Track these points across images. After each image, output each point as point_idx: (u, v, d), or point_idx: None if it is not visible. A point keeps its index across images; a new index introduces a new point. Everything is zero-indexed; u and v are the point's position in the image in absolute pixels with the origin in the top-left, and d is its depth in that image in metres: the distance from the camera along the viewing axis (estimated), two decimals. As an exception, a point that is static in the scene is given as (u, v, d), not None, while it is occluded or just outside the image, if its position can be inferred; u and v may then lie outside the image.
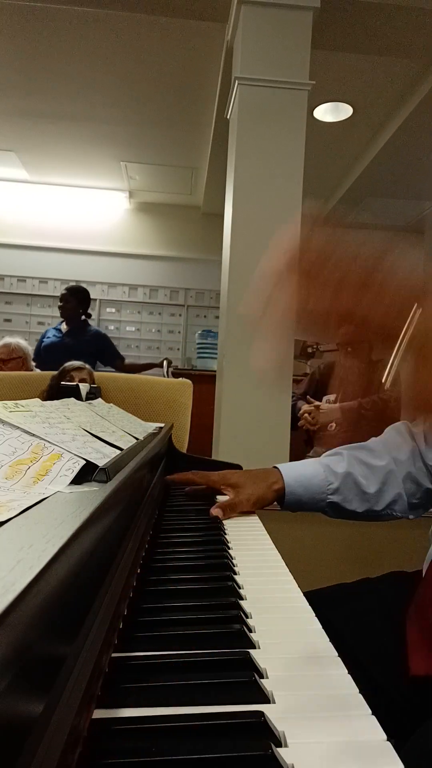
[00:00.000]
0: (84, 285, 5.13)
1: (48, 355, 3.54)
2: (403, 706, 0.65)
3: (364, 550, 1.96)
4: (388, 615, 0.75)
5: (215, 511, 0.80)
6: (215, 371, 4.18)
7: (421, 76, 2.99)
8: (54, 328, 3.96)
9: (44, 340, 3.83)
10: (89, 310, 4.03)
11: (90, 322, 4.70)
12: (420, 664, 0.65)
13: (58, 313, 5.15)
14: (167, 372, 3.62)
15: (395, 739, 0.33)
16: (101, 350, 3.90)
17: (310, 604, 0.51)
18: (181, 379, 1.98)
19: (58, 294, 5.10)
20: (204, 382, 1.96)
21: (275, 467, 0.90)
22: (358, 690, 0.36)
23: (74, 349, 3.69)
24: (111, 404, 1.13)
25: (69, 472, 0.48)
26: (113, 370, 3.78)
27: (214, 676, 0.36)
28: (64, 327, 3.89)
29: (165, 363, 3.70)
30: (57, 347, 3.71)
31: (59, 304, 3.87)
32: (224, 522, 0.80)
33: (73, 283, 4.03)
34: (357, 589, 0.85)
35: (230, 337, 2.37)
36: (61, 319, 3.94)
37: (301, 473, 0.87)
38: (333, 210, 4.66)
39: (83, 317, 3.91)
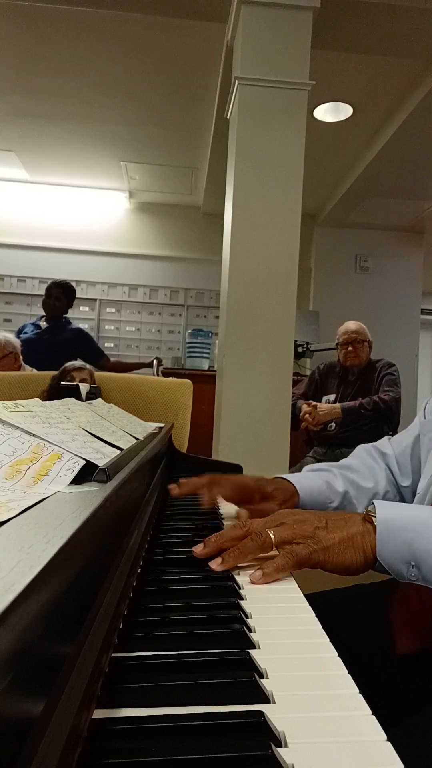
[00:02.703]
0: (84, 285, 5.15)
1: (27, 351, 3.39)
2: (401, 698, 0.66)
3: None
4: (385, 617, 0.76)
5: (242, 512, 0.76)
6: (205, 370, 4.20)
7: (421, 76, 2.99)
8: (32, 324, 3.76)
9: (21, 335, 3.59)
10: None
11: (87, 321, 4.66)
12: (405, 645, 0.69)
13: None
14: (157, 371, 3.58)
15: (394, 729, 0.33)
16: (83, 349, 3.73)
17: (310, 605, 0.51)
18: (181, 379, 1.98)
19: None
20: (195, 382, 1.96)
21: (283, 478, 0.86)
22: (358, 690, 0.36)
23: (54, 347, 3.56)
24: (111, 404, 1.13)
25: (69, 472, 0.48)
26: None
27: (214, 676, 0.36)
28: (43, 323, 3.71)
29: (155, 362, 3.65)
30: (36, 344, 3.51)
31: (45, 299, 3.67)
32: (224, 522, 0.80)
33: (60, 280, 3.77)
34: (357, 592, 0.86)
35: (230, 337, 2.37)
36: (41, 315, 3.77)
37: (311, 487, 0.85)
38: (333, 210, 4.66)
39: (65, 315, 3.77)
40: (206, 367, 4.32)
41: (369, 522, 0.60)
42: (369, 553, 0.58)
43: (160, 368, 3.66)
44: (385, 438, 1.00)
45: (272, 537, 0.58)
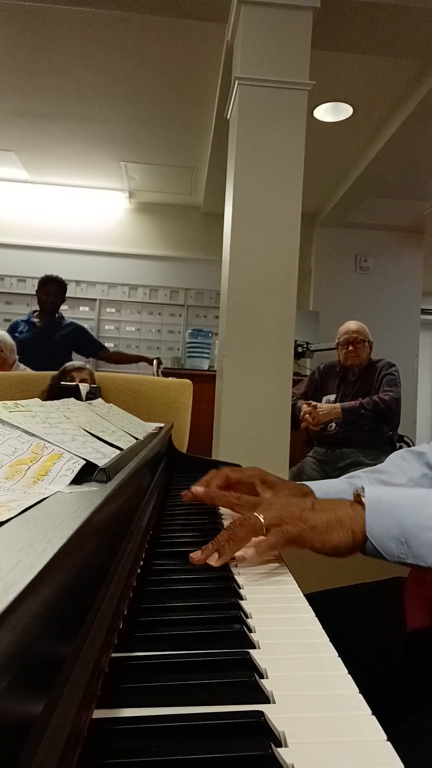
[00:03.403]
0: (84, 285, 5.15)
1: (26, 351, 3.31)
2: (401, 698, 0.66)
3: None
4: (388, 615, 0.76)
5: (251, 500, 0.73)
6: (205, 371, 4.20)
7: (421, 76, 2.99)
8: (24, 321, 3.65)
9: (16, 334, 3.48)
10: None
11: (87, 321, 4.62)
12: (416, 618, 0.68)
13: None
14: (157, 371, 3.58)
15: (394, 729, 0.33)
16: (82, 345, 3.72)
17: (310, 605, 0.51)
18: (181, 379, 1.98)
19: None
20: (195, 382, 1.96)
21: (304, 483, 0.85)
22: (358, 690, 0.36)
23: (50, 343, 3.51)
24: (111, 404, 1.13)
25: (69, 472, 0.48)
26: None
27: (214, 676, 0.36)
28: (35, 319, 3.63)
29: (155, 363, 3.63)
30: (33, 342, 3.44)
31: (43, 296, 3.60)
32: (225, 522, 0.80)
33: (53, 275, 3.69)
34: (357, 592, 0.85)
35: (230, 337, 2.37)
36: (33, 310, 3.71)
37: (330, 488, 0.83)
38: (333, 210, 4.66)
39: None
40: (206, 367, 4.32)
41: (358, 503, 0.61)
42: (357, 533, 0.59)
43: (161, 368, 3.65)
44: (423, 444, 0.98)
45: (261, 520, 0.59)
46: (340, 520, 0.59)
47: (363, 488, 0.61)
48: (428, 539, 0.56)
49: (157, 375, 3.45)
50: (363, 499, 0.60)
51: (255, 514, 0.59)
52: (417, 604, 0.71)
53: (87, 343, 3.80)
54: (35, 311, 3.71)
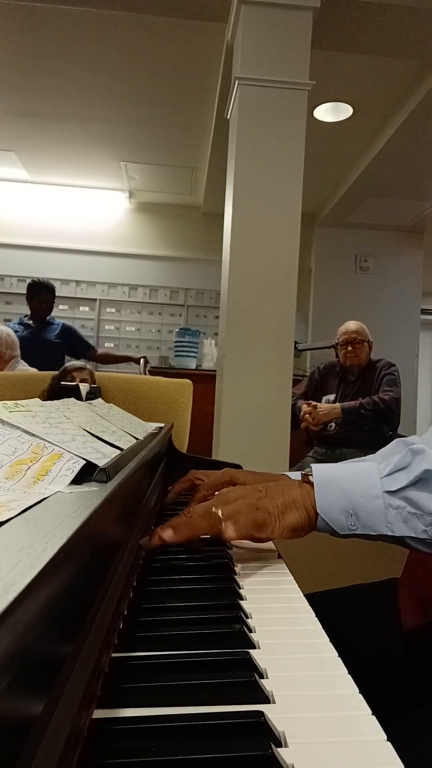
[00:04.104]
0: (84, 285, 5.15)
1: (24, 350, 3.42)
2: (401, 698, 0.66)
3: (365, 553, 1.96)
4: (386, 616, 0.76)
5: (192, 472, 0.77)
6: (192, 370, 4.23)
7: (421, 76, 2.99)
8: (19, 324, 3.77)
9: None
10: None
11: (87, 321, 4.66)
12: (411, 618, 0.70)
13: (57, 313, 5.15)
14: (144, 370, 3.59)
15: (394, 728, 0.33)
16: (72, 342, 3.82)
17: (310, 605, 0.51)
18: (182, 379, 1.98)
19: (58, 294, 5.09)
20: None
21: (284, 474, 0.87)
22: (358, 690, 0.36)
23: (44, 343, 3.66)
24: (111, 404, 1.13)
25: (69, 472, 0.48)
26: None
27: (214, 676, 0.36)
28: (30, 322, 3.76)
29: (142, 361, 3.66)
30: (31, 342, 3.58)
31: (35, 304, 3.73)
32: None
33: (42, 280, 3.84)
34: (357, 592, 0.85)
35: (230, 337, 2.37)
36: (24, 314, 3.84)
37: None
38: (333, 210, 4.66)
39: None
40: (194, 366, 4.35)
41: (306, 482, 0.62)
42: (311, 510, 0.60)
43: (147, 367, 3.67)
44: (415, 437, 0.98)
45: (219, 514, 0.60)
46: (293, 500, 0.61)
47: (311, 469, 0.63)
48: (375, 507, 0.58)
49: (144, 374, 3.47)
50: (310, 477, 0.62)
51: (213, 508, 0.60)
52: (411, 604, 0.72)
53: (78, 343, 3.91)
54: (26, 315, 3.83)
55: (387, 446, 0.94)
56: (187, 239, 5.22)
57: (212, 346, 4.74)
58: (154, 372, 3.57)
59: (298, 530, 0.61)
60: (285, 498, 0.61)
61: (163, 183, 4.75)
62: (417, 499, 0.56)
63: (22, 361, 2.88)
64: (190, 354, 4.39)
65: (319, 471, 0.62)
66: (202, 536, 0.61)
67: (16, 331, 3.61)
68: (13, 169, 4.60)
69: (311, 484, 0.61)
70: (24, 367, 2.83)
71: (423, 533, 0.56)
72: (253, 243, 2.36)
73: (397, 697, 0.67)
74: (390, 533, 0.57)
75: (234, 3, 2.41)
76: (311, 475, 0.62)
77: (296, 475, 0.86)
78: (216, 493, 0.77)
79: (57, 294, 4.39)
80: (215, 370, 4.33)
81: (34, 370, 2.71)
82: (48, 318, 3.80)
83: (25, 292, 5.06)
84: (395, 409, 2.86)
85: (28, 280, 4.06)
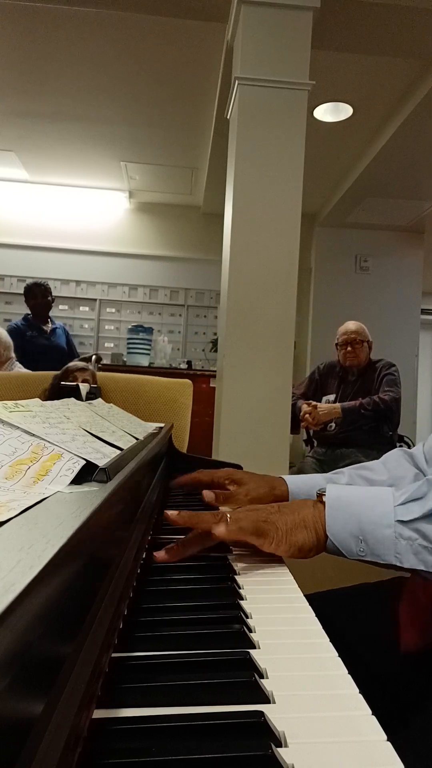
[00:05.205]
0: (84, 285, 5.16)
1: (38, 356, 3.48)
2: (401, 698, 0.66)
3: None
4: (388, 616, 0.76)
5: (207, 495, 0.77)
6: (146, 367, 4.26)
7: (421, 76, 2.99)
8: (21, 325, 3.87)
9: (24, 341, 3.70)
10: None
11: (87, 321, 4.71)
12: (411, 642, 0.69)
13: (57, 313, 5.17)
14: (94, 367, 3.65)
15: (394, 728, 0.33)
16: (69, 343, 3.98)
17: (310, 605, 0.51)
18: (182, 379, 1.98)
19: (58, 294, 5.12)
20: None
21: (281, 477, 0.88)
22: (358, 690, 0.36)
23: (58, 345, 3.78)
24: (111, 404, 1.13)
25: (69, 472, 0.48)
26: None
27: (214, 676, 0.36)
28: (36, 322, 3.88)
29: (93, 358, 3.71)
30: (40, 346, 3.69)
31: (38, 301, 3.87)
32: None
33: (37, 281, 3.98)
34: (357, 592, 0.85)
35: (230, 337, 2.37)
36: (25, 314, 3.97)
37: (305, 482, 0.86)
38: (333, 210, 4.66)
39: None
40: (146, 364, 4.39)
41: (320, 502, 0.62)
42: (321, 531, 0.60)
43: (98, 365, 3.71)
44: (420, 443, 0.98)
45: (228, 518, 0.60)
46: (303, 519, 0.60)
47: (326, 489, 0.62)
48: (385, 536, 0.56)
49: (95, 371, 3.54)
50: (324, 498, 0.61)
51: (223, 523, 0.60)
52: (410, 628, 0.71)
53: (71, 344, 4.06)
54: (27, 315, 3.93)
55: (389, 455, 0.94)
56: (187, 239, 5.22)
57: (165, 343, 4.79)
58: (105, 369, 3.60)
59: (306, 550, 0.60)
60: (295, 517, 0.61)
61: (163, 183, 4.75)
62: (429, 532, 0.55)
63: (17, 363, 2.88)
64: (142, 351, 4.42)
65: (333, 492, 0.61)
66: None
67: (21, 330, 3.69)
68: (13, 169, 4.60)
69: (324, 504, 0.60)
70: (20, 369, 2.83)
71: None
72: (253, 243, 2.36)
73: (397, 697, 0.67)
74: (399, 564, 0.56)
75: (234, 3, 2.41)
76: (325, 495, 0.61)
77: (294, 479, 0.87)
78: (216, 492, 0.78)
79: (57, 294, 4.43)
80: (185, 369, 4.39)
81: (28, 372, 2.72)
82: (48, 317, 3.92)
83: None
84: (395, 409, 2.86)
85: (28, 280, 4.11)
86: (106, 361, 4.36)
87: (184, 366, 4.67)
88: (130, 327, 4.57)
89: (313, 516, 0.60)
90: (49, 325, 3.95)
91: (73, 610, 0.31)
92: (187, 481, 0.93)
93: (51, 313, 4.08)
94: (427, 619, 0.71)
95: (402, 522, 0.56)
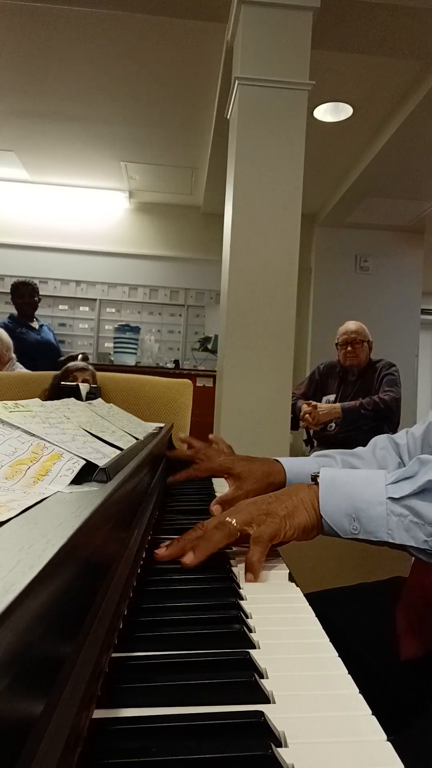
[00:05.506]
0: (84, 285, 5.15)
1: (33, 354, 3.48)
2: (401, 698, 0.66)
3: (365, 553, 1.96)
4: (387, 616, 0.76)
5: (215, 508, 0.79)
6: (132, 366, 4.26)
7: (421, 76, 2.99)
8: (8, 323, 3.86)
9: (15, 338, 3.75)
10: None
11: (87, 321, 4.72)
12: (409, 649, 0.70)
13: (56, 313, 5.18)
14: None
15: (394, 728, 0.33)
16: (55, 342, 4.02)
17: (310, 605, 0.51)
18: (182, 379, 1.98)
19: (58, 294, 5.12)
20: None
21: (276, 460, 0.90)
22: (358, 690, 0.36)
23: (48, 342, 3.79)
24: (111, 404, 1.13)
25: (69, 472, 0.48)
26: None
27: (214, 676, 0.36)
28: (19, 320, 3.89)
29: (79, 357, 3.73)
30: (32, 343, 3.69)
31: (26, 301, 3.89)
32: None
33: (25, 280, 4.01)
34: (357, 592, 0.86)
35: (230, 337, 2.37)
36: (11, 314, 3.99)
37: (300, 470, 0.87)
38: (333, 210, 4.66)
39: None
40: (133, 363, 4.39)
41: (315, 483, 0.65)
42: (318, 510, 0.62)
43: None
44: (404, 430, 1.00)
45: (234, 523, 0.60)
46: (301, 501, 0.63)
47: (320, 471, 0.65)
48: (377, 513, 0.58)
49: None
50: (318, 479, 0.63)
51: (227, 519, 0.61)
52: (409, 635, 0.72)
53: (56, 343, 4.11)
54: (11, 314, 3.96)
55: (378, 440, 0.97)
56: (187, 239, 5.21)
57: (152, 342, 4.78)
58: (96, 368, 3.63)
59: (308, 530, 0.62)
60: (294, 500, 0.63)
61: (163, 183, 4.75)
62: (420, 508, 0.57)
63: (18, 363, 2.89)
64: (129, 350, 4.42)
65: (327, 474, 0.63)
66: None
67: (9, 328, 3.68)
68: (13, 169, 4.60)
69: (319, 485, 0.63)
70: (20, 369, 2.83)
71: (424, 543, 0.56)
72: (253, 243, 2.36)
73: (397, 697, 0.67)
74: (390, 540, 0.58)
75: (234, 3, 2.41)
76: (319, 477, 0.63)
77: (291, 461, 0.88)
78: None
79: (57, 294, 4.44)
80: (174, 369, 4.39)
81: (28, 372, 2.72)
82: (35, 317, 3.97)
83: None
84: (395, 409, 2.86)
85: (15, 279, 4.16)
86: (92, 360, 4.38)
87: (171, 365, 4.67)
88: (116, 326, 4.57)
89: (310, 496, 0.63)
90: (36, 323, 3.99)
91: (73, 610, 0.31)
92: (184, 478, 0.96)
93: (51, 313, 4.09)
94: (424, 626, 0.71)
95: (393, 499, 0.58)
